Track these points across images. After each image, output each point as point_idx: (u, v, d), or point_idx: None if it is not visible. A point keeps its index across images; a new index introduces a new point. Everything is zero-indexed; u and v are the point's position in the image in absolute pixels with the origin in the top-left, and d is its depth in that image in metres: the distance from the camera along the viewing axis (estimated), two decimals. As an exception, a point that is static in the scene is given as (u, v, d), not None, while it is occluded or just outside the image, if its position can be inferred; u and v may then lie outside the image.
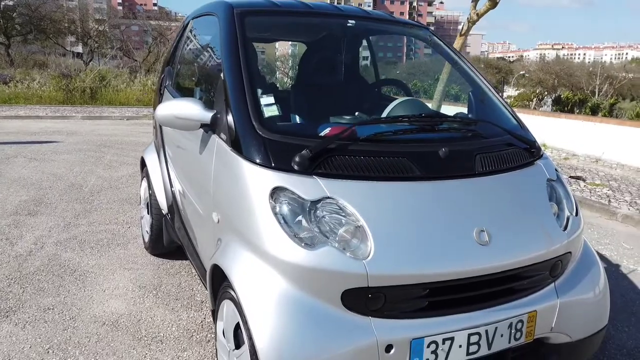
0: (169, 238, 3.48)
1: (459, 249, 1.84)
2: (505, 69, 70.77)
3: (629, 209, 5.47)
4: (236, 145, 2.00)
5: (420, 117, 2.29)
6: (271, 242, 1.76)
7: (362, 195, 1.85)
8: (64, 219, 4.59)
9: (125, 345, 2.63)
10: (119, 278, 3.43)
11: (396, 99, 2.83)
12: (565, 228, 2.14)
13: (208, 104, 2.33)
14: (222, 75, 2.25)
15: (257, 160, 1.90)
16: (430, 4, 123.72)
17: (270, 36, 2.68)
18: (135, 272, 3.53)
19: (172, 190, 3.17)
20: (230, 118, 2.06)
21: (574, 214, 2.27)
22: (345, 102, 2.77)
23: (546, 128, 9.64)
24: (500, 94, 2.74)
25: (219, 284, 2.08)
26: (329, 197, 1.80)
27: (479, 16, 10.13)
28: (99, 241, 4.09)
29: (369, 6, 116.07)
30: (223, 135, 2.13)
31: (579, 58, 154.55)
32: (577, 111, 16.50)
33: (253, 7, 2.62)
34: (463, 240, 1.86)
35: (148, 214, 3.69)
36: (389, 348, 1.73)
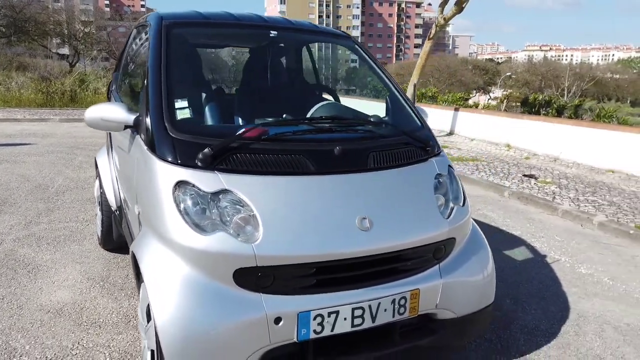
0: (117, 233, 3.72)
1: (342, 234, 2.10)
2: (492, 71, 71.43)
3: (569, 205, 5.78)
4: (151, 144, 2.25)
5: (320, 119, 2.55)
6: (172, 230, 2.01)
7: (257, 188, 2.10)
8: (25, 218, 4.80)
9: (65, 330, 2.86)
10: (69, 271, 3.66)
11: (326, 101, 3.09)
12: (449, 217, 2.41)
13: (137, 107, 2.58)
14: (146, 81, 2.50)
15: (166, 158, 2.14)
16: (418, 6, 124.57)
17: (200, 46, 2.92)
18: (86, 266, 3.76)
19: (118, 188, 3.42)
20: (148, 120, 2.31)
21: (461, 204, 2.55)
22: (270, 105, 3.03)
23: (510, 129, 9.97)
24: (407, 98, 3.00)
25: (138, 270, 2.33)
26: (227, 190, 2.06)
27: (446, 20, 10.45)
28: (56, 238, 4.32)
29: (357, 7, 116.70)
30: (143, 136, 2.38)
31: (566, 59, 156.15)
32: (543, 112, 16.94)
33: (182, 19, 2.87)
34: (346, 226, 2.12)
35: (100, 211, 3.93)
36: (277, 320, 1.99)
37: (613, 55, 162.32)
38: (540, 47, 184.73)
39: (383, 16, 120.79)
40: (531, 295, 3.59)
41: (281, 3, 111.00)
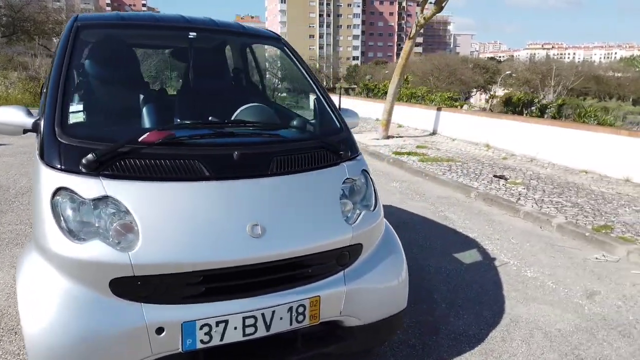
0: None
1: (230, 241, 2.06)
2: (492, 69, 71.27)
3: (532, 207, 5.72)
4: (40, 149, 2.21)
5: (224, 123, 2.50)
6: (47, 238, 1.96)
7: (142, 194, 2.05)
8: (-25, 220, 4.78)
9: (-20, 336, 2.83)
10: (2, 275, 3.63)
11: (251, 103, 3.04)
12: (355, 222, 2.37)
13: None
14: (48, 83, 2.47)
15: (51, 163, 2.10)
16: (419, 4, 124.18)
17: (115, 48, 2.88)
18: (21, 269, 3.72)
19: None
20: (42, 123, 2.27)
21: (371, 209, 2.51)
22: (190, 108, 2.98)
23: (490, 129, 9.90)
24: (330, 101, 2.96)
25: None
26: (108, 197, 2.01)
27: (426, 20, 10.38)
28: (0, 241, 4.29)
29: (358, 6, 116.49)
30: (37, 140, 2.34)
31: (568, 57, 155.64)
32: (526, 112, 16.83)
33: (96, 21, 2.83)
34: (235, 233, 2.08)
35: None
36: (159, 330, 1.95)
37: (615, 53, 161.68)
38: (542, 46, 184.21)
39: (384, 15, 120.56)
40: (468, 300, 3.54)
41: (282, 2, 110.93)
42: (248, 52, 3.86)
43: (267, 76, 3.50)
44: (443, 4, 9.98)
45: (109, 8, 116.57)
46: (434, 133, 11.82)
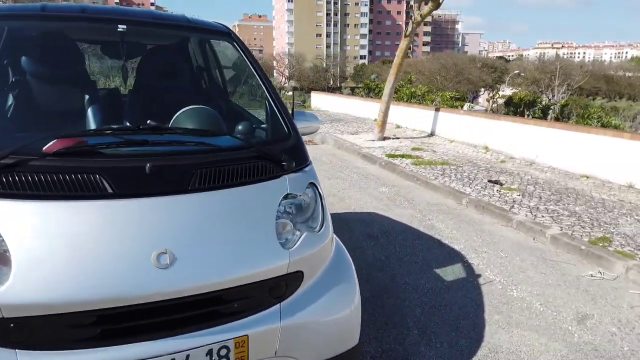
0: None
1: (130, 274, 1.72)
2: (501, 69, 70.60)
3: (526, 216, 5.34)
4: None
5: (138, 129, 2.15)
6: None
7: (21, 217, 1.71)
8: None
9: None
10: None
11: (193, 106, 2.70)
12: (294, 246, 2.03)
13: None
14: None
15: None
16: (427, 4, 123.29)
17: (38, 42, 2.56)
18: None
19: None
20: None
21: (317, 229, 2.17)
22: (120, 111, 2.65)
23: (489, 131, 9.51)
24: (281, 104, 2.61)
25: None
26: None
27: (423, 17, 10.00)
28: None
29: (365, 5, 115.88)
30: None
31: (578, 57, 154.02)
32: (528, 113, 16.31)
33: (15, 12, 2.50)
34: (137, 263, 1.74)
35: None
36: None
37: (626, 52, 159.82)
38: (552, 45, 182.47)
39: (391, 14, 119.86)
40: (444, 324, 3.18)
41: (289, 1, 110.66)
42: (208, 49, 3.52)
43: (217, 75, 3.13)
44: (440, 0, 9.59)
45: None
46: (432, 134, 11.43)
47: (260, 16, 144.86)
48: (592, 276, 4.04)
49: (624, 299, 3.67)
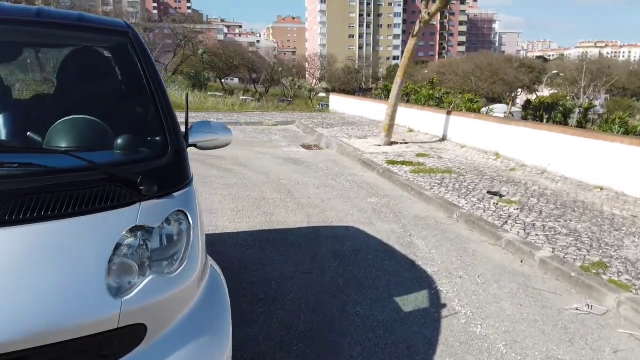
0: None
1: None
2: (538, 68, 68.36)
3: (517, 234, 4.79)
4: None
5: None
6: None
7: None
8: None
9: None
10: None
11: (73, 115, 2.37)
12: (130, 293, 1.66)
13: None
14: None
15: None
16: (462, 2, 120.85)
17: None
18: None
19: None
20: None
21: (173, 270, 1.79)
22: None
23: (501, 136, 8.89)
24: (169, 114, 2.24)
25: None
26: None
27: (431, 15, 9.46)
28: None
29: (399, 5, 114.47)
30: None
31: (623, 56, 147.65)
32: (546, 116, 15.31)
33: None
34: None
35: None
36: None
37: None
38: (595, 44, 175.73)
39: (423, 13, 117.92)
40: (382, 368, 2.75)
41: (321, 2, 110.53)
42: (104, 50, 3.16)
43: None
44: (450, -2, 9.03)
45: (155, 11, 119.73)
46: (443, 139, 10.86)
47: (293, 18, 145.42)
48: (577, 310, 3.50)
49: (608, 340, 3.13)
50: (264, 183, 6.91)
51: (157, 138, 2.16)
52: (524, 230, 4.91)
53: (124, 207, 1.80)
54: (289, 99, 50.21)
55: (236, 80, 69.81)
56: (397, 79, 10.06)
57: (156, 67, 2.45)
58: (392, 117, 10.08)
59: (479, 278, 4.00)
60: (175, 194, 1.97)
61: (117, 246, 1.73)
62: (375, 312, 3.38)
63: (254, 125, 13.65)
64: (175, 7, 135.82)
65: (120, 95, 2.49)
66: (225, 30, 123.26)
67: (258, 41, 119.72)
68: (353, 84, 74.55)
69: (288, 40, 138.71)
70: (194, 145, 2.45)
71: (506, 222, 5.17)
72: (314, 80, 73.39)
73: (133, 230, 1.78)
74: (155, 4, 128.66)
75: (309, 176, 7.48)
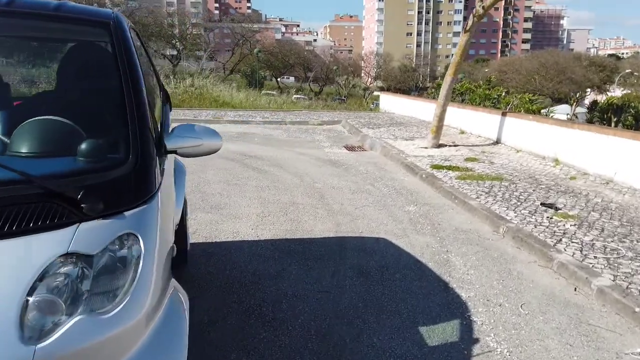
0: None
1: None
2: (610, 67, 64.25)
3: (573, 255, 4.18)
4: None
5: None
6: None
7: None
8: None
9: None
10: None
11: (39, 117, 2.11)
12: (50, 338, 1.36)
13: None
14: None
15: None
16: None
17: None
18: None
19: None
20: None
21: (112, 307, 1.47)
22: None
23: (561, 140, 8.09)
24: (143, 117, 1.93)
25: None
26: None
27: (486, 9, 8.78)
28: None
29: (460, 2, 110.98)
30: None
31: None
32: (615, 119, 13.90)
33: None
34: None
35: None
36: None
37: None
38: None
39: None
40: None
41: (379, 0, 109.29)
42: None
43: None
44: (508, -10, 8.32)
45: (217, 11, 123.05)
46: (497, 142, 10.10)
47: (351, 16, 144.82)
48: (641, 356, 2.91)
49: (681, 400, 2.53)
50: (297, 187, 6.59)
51: (121, 144, 1.85)
52: (581, 251, 4.28)
53: (57, 229, 1.50)
54: (343, 97, 49.87)
55: (292, 79, 70.29)
56: (447, 78, 9.44)
57: (138, 64, 2.14)
58: (440, 118, 9.48)
59: (522, 308, 3.46)
60: (128, 212, 1.65)
61: (42, 277, 1.43)
62: (395, 344, 2.94)
63: (299, 125, 13.39)
64: (236, 8, 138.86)
65: (95, 94, 2.21)
66: (283, 29, 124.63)
67: (315, 40, 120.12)
68: (409, 82, 73.18)
69: (345, 39, 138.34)
70: (175, 152, 2.13)
71: (560, 240, 4.55)
72: (369, 79, 72.67)
73: (65, 258, 1.47)
74: (217, 5, 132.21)
75: (346, 180, 7.07)
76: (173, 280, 1.94)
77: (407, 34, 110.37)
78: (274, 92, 37.85)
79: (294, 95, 37.15)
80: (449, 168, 7.63)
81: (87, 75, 2.26)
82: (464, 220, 5.43)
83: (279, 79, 62.57)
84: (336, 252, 4.34)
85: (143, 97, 1.98)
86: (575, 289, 3.78)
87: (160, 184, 1.87)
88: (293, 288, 3.61)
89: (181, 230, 3.51)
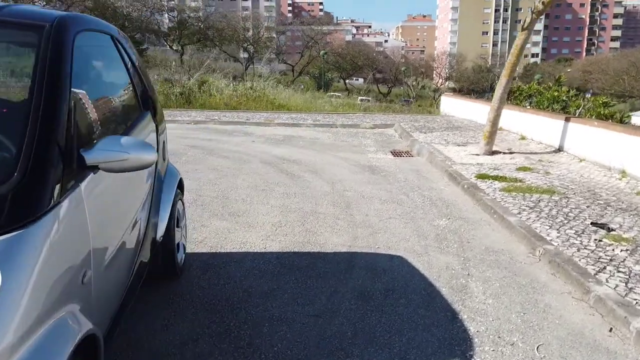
0: None
1: None
2: None
3: (616, 287, 3.57)
4: None
5: None
6: None
7: None
8: None
9: None
10: None
11: None
12: None
13: None
14: None
15: None
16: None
17: None
18: None
19: None
20: None
21: None
22: None
23: (630, 150, 7.19)
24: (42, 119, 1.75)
25: None
26: None
27: (546, 5, 8.01)
28: None
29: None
30: None
31: None
32: None
33: None
34: None
35: None
36: None
37: None
38: None
39: (573, 6, 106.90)
40: None
41: (452, 9, 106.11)
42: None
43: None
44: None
45: (290, 14, 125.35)
46: (559, 150, 9.22)
47: (424, 16, 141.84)
48: None
49: None
50: (325, 195, 6.30)
51: (9, 160, 1.68)
52: (627, 283, 3.66)
53: None
54: (411, 99, 48.79)
55: (361, 80, 69.93)
56: (502, 80, 8.74)
57: (65, 72, 1.97)
58: (494, 123, 8.79)
59: (538, 350, 2.96)
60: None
61: None
62: (373, 385, 2.59)
63: (349, 128, 13.08)
64: (309, 10, 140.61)
65: (16, 103, 2.07)
66: (354, 31, 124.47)
67: (386, 41, 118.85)
68: (483, 83, 70.30)
69: (417, 40, 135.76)
70: (95, 167, 1.94)
71: (604, 268, 3.93)
72: (440, 80, 70.72)
73: None
74: (290, 8, 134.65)
75: (380, 189, 6.68)
76: (74, 305, 1.74)
77: (483, 33, 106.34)
78: (339, 94, 37.74)
79: (359, 97, 36.79)
80: (496, 178, 7.01)
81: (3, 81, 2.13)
82: (498, 238, 4.89)
83: (347, 81, 62.45)
84: (342, 270, 4.01)
85: (54, 108, 1.80)
86: (611, 329, 3.20)
87: (57, 205, 1.68)
88: (281, 309, 3.34)
89: (167, 243, 3.36)
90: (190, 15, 51.30)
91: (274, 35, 62.65)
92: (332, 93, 37.44)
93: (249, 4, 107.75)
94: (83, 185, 1.90)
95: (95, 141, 1.98)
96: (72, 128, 1.87)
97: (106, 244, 2.14)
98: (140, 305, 3.28)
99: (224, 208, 5.58)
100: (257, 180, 6.95)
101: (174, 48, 48.21)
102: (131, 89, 3.00)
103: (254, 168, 7.71)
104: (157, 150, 3.31)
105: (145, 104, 3.16)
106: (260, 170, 7.57)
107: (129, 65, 3.04)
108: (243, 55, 54.89)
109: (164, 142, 3.56)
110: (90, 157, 1.91)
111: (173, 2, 61.41)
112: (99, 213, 2.07)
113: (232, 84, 18.19)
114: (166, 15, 53.19)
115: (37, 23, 2.08)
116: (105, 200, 2.20)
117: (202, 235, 4.68)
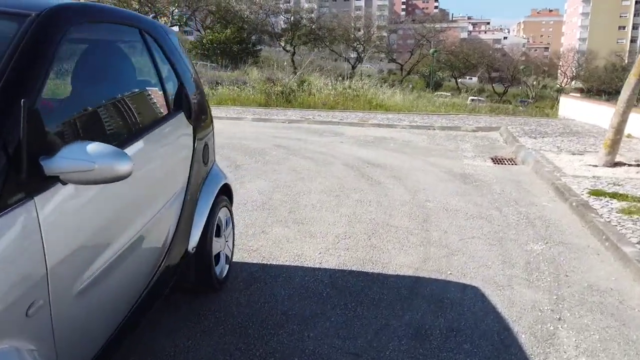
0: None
1: None
2: None
3: None
4: None
5: None
6: None
7: None
8: None
9: None
10: None
11: None
12: None
13: None
14: None
15: None
16: None
17: None
18: None
19: None
20: None
21: None
22: None
23: None
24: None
25: None
26: None
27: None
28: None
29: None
30: None
31: None
32: None
33: None
34: None
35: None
36: None
37: None
38: None
39: None
40: None
41: (584, 1, 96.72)
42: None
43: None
44: None
45: (403, 12, 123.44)
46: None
47: (550, 10, 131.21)
48: None
49: None
50: (403, 204, 5.70)
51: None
52: None
53: None
54: (529, 100, 45.22)
55: (474, 79, 66.52)
56: (631, 79, 7.38)
57: (47, 65, 1.73)
58: (618, 129, 7.46)
59: None
60: None
61: None
62: None
63: (448, 131, 12.15)
64: (423, 8, 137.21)
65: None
66: (470, 28, 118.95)
67: (505, 38, 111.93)
68: (617, 83, 63.09)
69: (541, 36, 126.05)
70: (57, 178, 1.65)
71: None
72: (566, 80, 64.92)
73: None
74: (403, 6, 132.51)
75: (468, 201, 5.91)
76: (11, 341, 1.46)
77: (620, 28, 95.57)
78: (448, 94, 36.00)
79: (469, 97, 34.79)
80: (614, 196, 5.87)
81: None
82: (607, 273, 3.96)
83: (459, 80, 59.78)
84: (401, 299, 3.45)
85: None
86: None
87: None
88: (318, 342, 2.89)
89: (202, 255, 3.09)
90: (304, 17, 52.53)
91: (385, 34, 61.91)
92: (439, 93, 35.89)
93: (362, 3, 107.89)
94: (38, 198, 1.62)
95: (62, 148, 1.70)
96: (33, 132, 1.59)
97: (83, 266, 1.86)
98: (171, 316, 3.05)
99: (290, 214, 5.25)
100: (333, 184, 6.54)
101: (287, 49, 49.70)
102: (157, 87, 2.75)
103: (334, 171, 7.32)
104: (192, 155, 3.04)
105: (177, 104, 2.89)
106: (340, 174, 7.15)
107: (160, 61, 2.79)
108: (352, 54, 54.90)
109: (205, 145, 3.28)
110: (50, 166, 1.62)
111: (289, 4, 63.50)
112: (74, 230, 1.80)
113: (330, 83, 18.00)
114: (281, 16, 54.97)
115: (22, 12, 1.86)
116: (88, 213, 1.92)
117: (259, 243, 4.38)
